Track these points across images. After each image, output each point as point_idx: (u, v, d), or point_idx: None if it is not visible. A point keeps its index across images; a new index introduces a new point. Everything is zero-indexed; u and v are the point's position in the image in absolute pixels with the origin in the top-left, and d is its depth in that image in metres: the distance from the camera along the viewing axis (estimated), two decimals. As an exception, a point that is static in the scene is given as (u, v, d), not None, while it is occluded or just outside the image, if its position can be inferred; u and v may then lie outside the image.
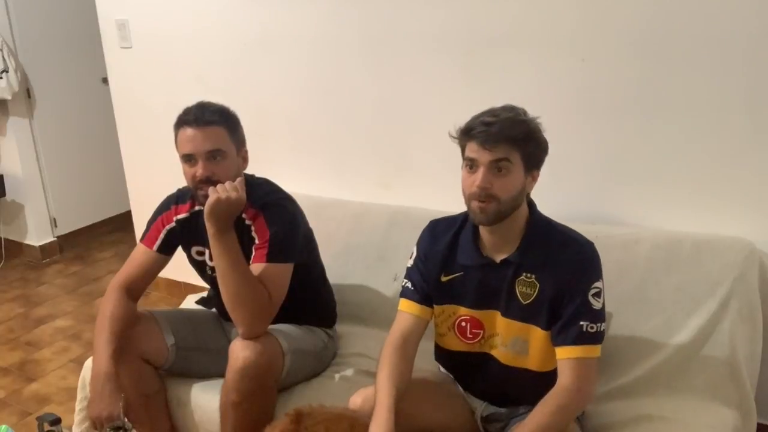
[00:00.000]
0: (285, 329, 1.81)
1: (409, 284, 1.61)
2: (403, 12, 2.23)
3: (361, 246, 2.24)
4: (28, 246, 3.94)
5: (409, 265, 1.63)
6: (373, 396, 1.50)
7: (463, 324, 1.57)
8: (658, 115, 1.92)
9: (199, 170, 1.71)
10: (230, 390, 1.68)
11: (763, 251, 1.80)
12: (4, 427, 1.72)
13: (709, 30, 1.79)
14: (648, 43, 1.88)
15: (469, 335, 1.58)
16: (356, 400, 1.55)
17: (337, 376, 1.93)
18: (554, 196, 2.12)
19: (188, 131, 1.72)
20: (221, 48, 2.67)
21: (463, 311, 1.56)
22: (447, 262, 1.56)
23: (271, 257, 1.74)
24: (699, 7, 1.79)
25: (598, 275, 1.47)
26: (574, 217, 2.06)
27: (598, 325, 1.44)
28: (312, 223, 1.96)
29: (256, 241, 1.77)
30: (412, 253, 1.63)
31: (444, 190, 1.83)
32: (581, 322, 1.43)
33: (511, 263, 1.49)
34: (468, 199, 1.45)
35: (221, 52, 2.68)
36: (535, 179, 1.48)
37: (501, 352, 1.55)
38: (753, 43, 1.75)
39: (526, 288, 1.48)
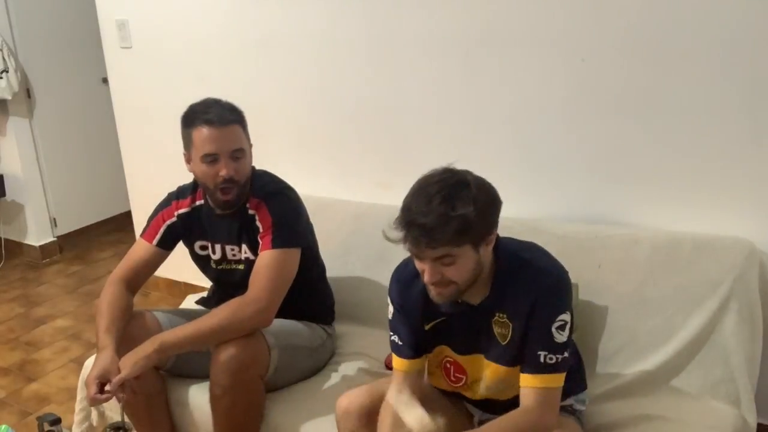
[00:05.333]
0: (278, 325, 1.80)
1: (396, 338, 1.53)
2: (403, 12, 2.23)
3: (361, 246, 2.24)
4: (28, 246, 3.94)
5: (390, 317, 1.55)
6: (358, 397, 1.52)
7: (448, 366, 1.54)
8: (657, 115, 1.92)
9: (223, 169, 1.72)
10: (213, 384, 1.70)
11: (763, 251, 1.80)
12: (4, 427, 1.72)
13: (710, 30, 1.79)
14: (648, 43, 1.88)
15: (452, 378, 1.55)
16: (342, 402, 1.55)
17: (334, 374, 1.94)
18: (554, 196, 2.13)
19: (208, 131, 1.72)
20: (221, 48, 2.67)
21: (449, 353, 1.52)
22: (427, 310, 1.48)
23: (276, 243, 1.75)
24: (699, 6, 1.79)
25: (564, 307, 1.38)
26: (574, 217, 2.07)
27: (558, 356, 1.37)
28: (312, 223, 1.96)
29: (260, 230, 1.78)
30: (388, 304, 1.56)
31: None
32: (539, 352, 1.37)
33: (486, 306, 1.43)
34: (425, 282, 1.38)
35: (221, 52, 2.68)
36: (491, 243, 1.37)
37: (482, 394, 1.53)
38: (753, 43, 1.75)
39: (502, 329, 1.43)
